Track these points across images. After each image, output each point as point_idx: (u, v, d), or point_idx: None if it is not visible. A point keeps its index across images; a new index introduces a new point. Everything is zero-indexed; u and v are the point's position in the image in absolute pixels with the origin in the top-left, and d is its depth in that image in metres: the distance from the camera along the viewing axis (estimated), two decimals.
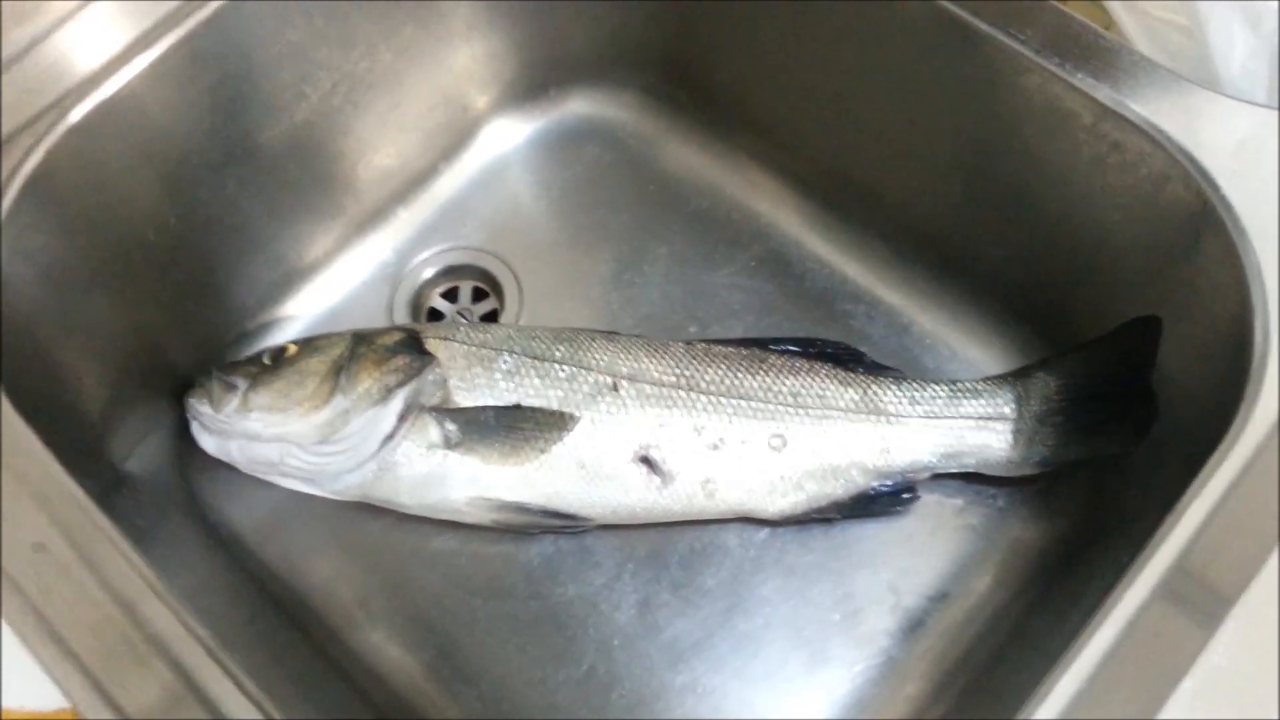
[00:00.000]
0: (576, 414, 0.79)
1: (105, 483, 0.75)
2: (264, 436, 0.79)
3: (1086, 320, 0.79)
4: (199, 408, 0.81)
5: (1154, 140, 0.67)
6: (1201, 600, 0.57)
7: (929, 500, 0.83)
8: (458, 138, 0.98)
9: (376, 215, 0.96)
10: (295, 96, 0.84)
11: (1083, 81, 0.69)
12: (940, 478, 0.83)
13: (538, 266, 0.95)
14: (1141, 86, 0.69)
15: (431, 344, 0.82)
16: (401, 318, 0.94)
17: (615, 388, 0.81)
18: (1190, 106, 0.70)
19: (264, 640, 0.77)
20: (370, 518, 0.84)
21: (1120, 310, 0.76)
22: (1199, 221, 0.68)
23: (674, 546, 0.83)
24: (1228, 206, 0.66)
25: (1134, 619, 0.56)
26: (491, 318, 0.94)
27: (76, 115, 0.72)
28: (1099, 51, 0.70)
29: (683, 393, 0.81)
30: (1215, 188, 0.67)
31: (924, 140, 0.84)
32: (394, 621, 0.81)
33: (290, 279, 0.93)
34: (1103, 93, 0.69)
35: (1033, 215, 0.80)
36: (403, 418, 0.79)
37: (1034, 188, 0.78)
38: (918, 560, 0.82)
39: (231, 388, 0.80)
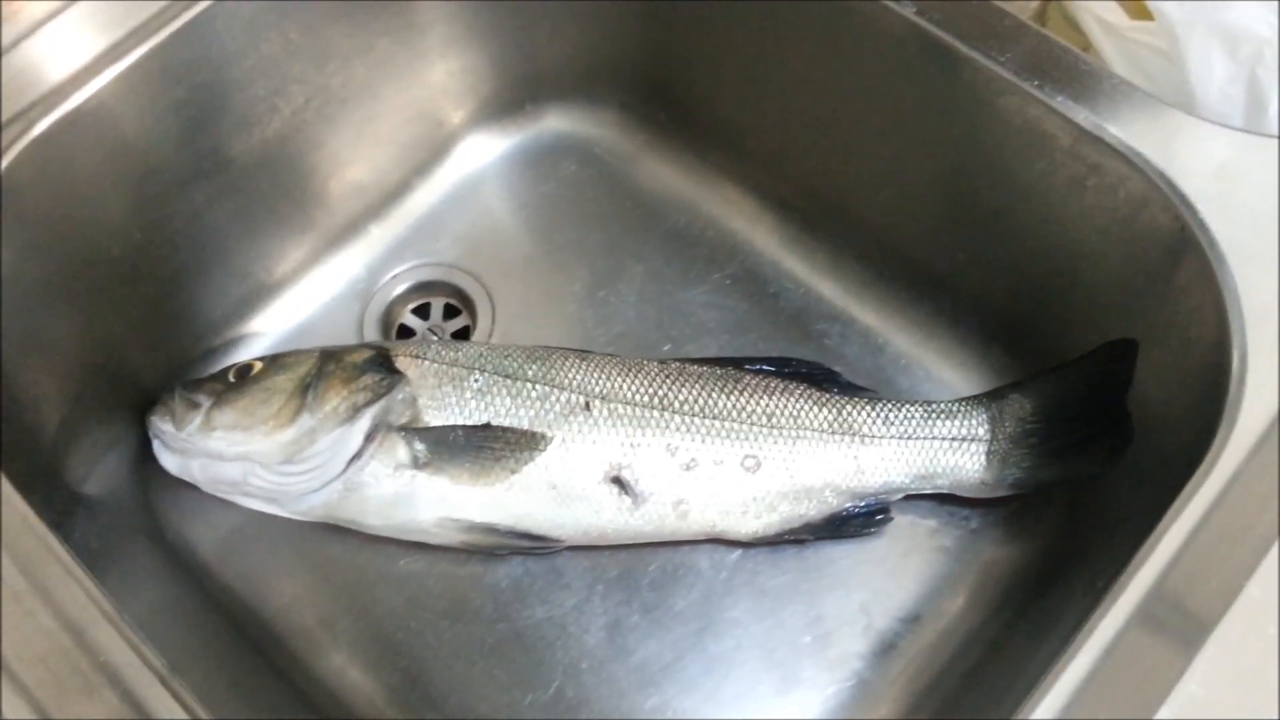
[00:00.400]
0: (548, 433, 0.78)
1: (61, 504, 0.74)
2: (227, 455, 0.78)
3: (1063, 343, 0.79)
4: (161, 425, 0.80)
5: (1132, 164, 0.67)
6: (1180, 626, 0.56)
7: (901, 521, 0.82)
8: (432, 153, 0.97)
9: (348, 230, 0.95)
10: (267, 110, 0.83)
11: (1062, 104, 0.69)
12: (913, 499, 0.82)
13: (511, 283, 0.94)
14: (1121, 110, 0.68)
15: (401, 362, 0.81)
16: (372, 334, 0.92)
17: (588, 407, 0.80)
18: (1169, 130, 0.69)
19: (222, 665, 0.75)
20: (335, 538, 0.82)
21: (1097, 333, 0.75)
22: (1177, 245, 0.67)
23: (645, 568, 0.82)
24: (1205, 230, 0.66)
25: (1111, 645, 0.55)
26: (463, 335, 0.93)
27: (42, 126, 0.71)
28: (1078, 74, 0.70)
29: (656, 412, 0.80)
30: (1193, 211, 0.67)
31: (902, 160, 0.83)
32: (358, 644, 0.79)
33: (258, 294, 0.91)
34: (1081, 115, 0.68)
35: (1010, 237, 0.79)
36: (370, 437, 0.77)
37: (1012, 209, 0.78)
38: (890, 582, 0.81)
39: (195, 405, 0.79)
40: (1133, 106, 0.68)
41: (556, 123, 1.00)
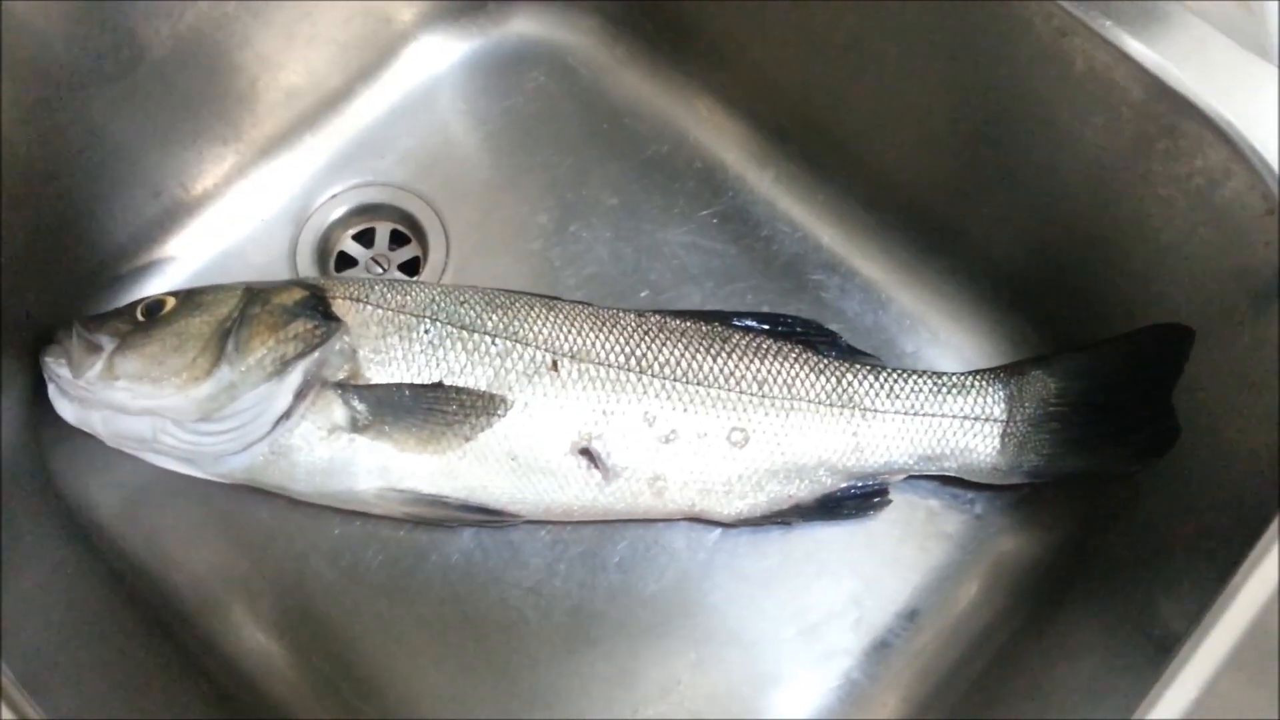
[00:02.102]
0: (509, 396, 0.69)
1: None
2: (132, 409, 0.67)
3: (1096, 321, 0.70)
4: (56, 369, 0.69)
5: (1218, 129, 0.57)
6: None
7: (898, 502, 0.74)
8: (378, 55, 0.85)
9: (279, 142, 0.83)
10: (177, 2, 0.70)
11: (1138, 51, 0.58)
12: (913, 478, 0.74)
13: (468, 211, 0.83)
14: (1210, 66, 0.58)
15: (340, 306, 0.70)
16: (307, 262, 0.81)
17: (554, 366, 0.70)
18: (1267, 94, 0.59)
19: (115, 648, 0.66)
20: (259, 501, 0.73)
21: (1140, 317, 0.67)
22: (1261, 233, 0.58)
23: (613, 545, 0.73)
24: None
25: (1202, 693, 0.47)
26: (412, 267, 0.82)
27: None
28: (1158, 17, 0.59)
29: (632, 375, 0.70)
30: None
31: (927, 98, 0.73)
32: (283, 625, 0.71)
33: (174, 214, 0.79)
34: (1161, 66, 0.58)
35: (1047, 194, 0.70)
36: (301, 395, 0.67)
37: (1055, 164, 0.68)
38: (884, 571, 0.73)
39: (95, 348, 0.68)
40: (1227, 64, 0.58)
41: (524, 25, 0.88)
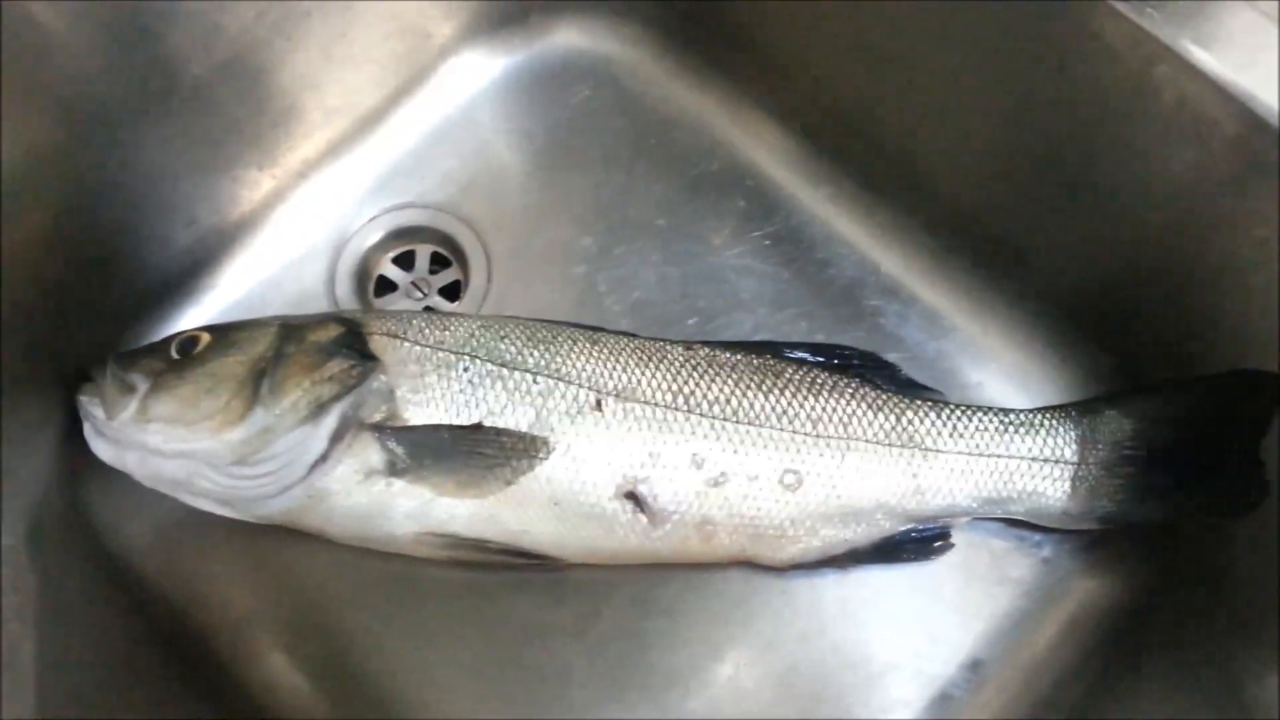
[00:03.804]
0: (551, 438, 0.66)
1: None
2: (166, 452, 0.65)
3: (1176, 359, 0.65)
4: (91, 409, 0.67)
5: None
6: None
7: (961, 544, 0.70)
8: (416, 73, 0.82)
9: (316, 165, 0.80)
10: (214, 24, 0.68)
11: (1230, 83, 0.53)
12: (977, 519, 0.70)
13: (510, 233, 0.80)
14: None
15: (377, 343, 0.67)
16: (345, 288, 0.79)
17: (598, 406, 0.67)
18: None
19: (139, 682, 0.65)
20: (299, 540, 0.70)
21: (1225, 362, 0.62)
22: None
23: (662, 589, 0.71)
24: None
25: None
26: (453, 291, 0.79)
27: None
28: (1250, 38, 0.53)
29: (680, 414, 0.67)
30: None
31: (997, 120, 0.68)
32: (322, 669, 0.69)
33: (209, 243, 0.77)
34: (1256, 100, 0.53)
35: (1128, 224, 0.65)
36: (338, 437, 0.65)
37: (1138, 197, 0.63)
38: (946, 618, 0.70)
39: (129, 389, 0.66)
40: None
41: (568, 36, 0.85)
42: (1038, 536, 0.71)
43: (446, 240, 0.80)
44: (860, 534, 0.68)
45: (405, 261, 0.81)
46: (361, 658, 0.69)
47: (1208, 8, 0.55)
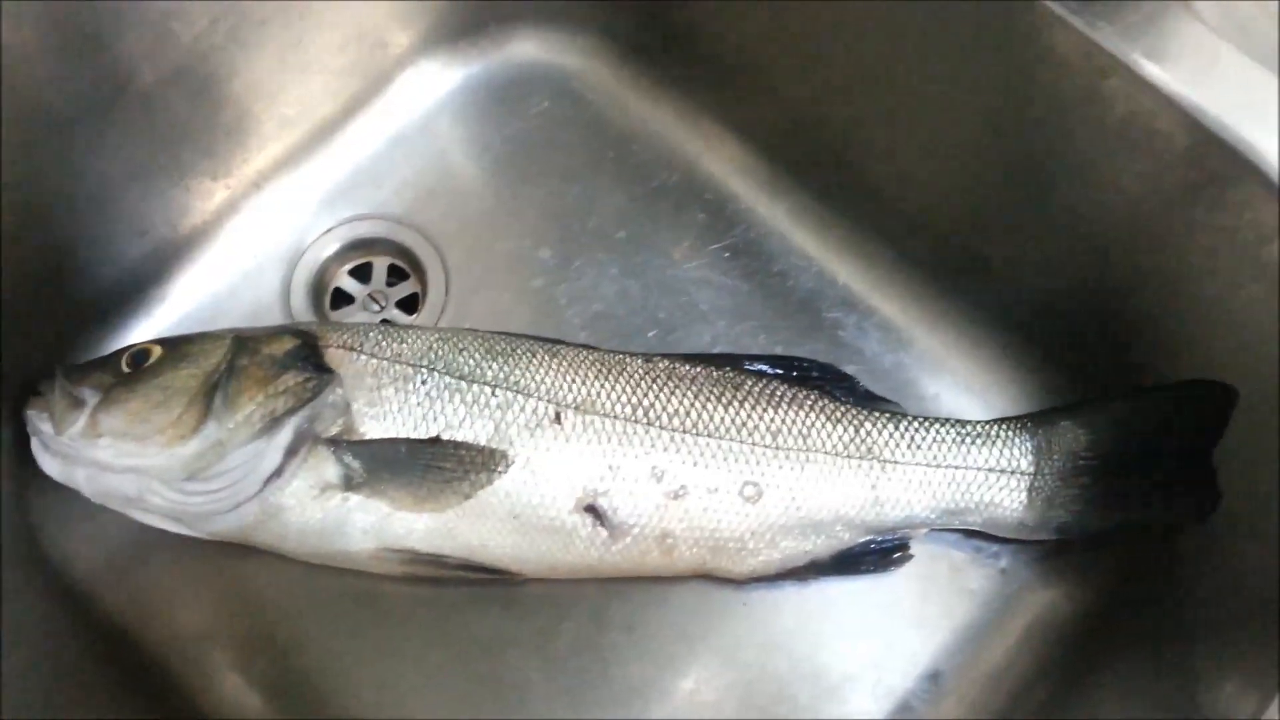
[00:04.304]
0: (509, 451, 0.65)
1: None
2: (116, 468, 0.64)
3: (1130, 369, 0.66)
4: (39, 424, 0.65)
5: (1270, 182, 0.53)
6: None
7: (920, 555, 0.70)
8: (373, 82, 0.81)
9: (271, 175, 0.79)
10: (165, 31, 0.67)
11: (1184, 98, 0.54)
12: (935, 530, 0.70)
13: (468, 245, 0.79)
14: (1259, 112, 0.53)
15: (332, 355, 0.67)
16: (301, 301, 0.78)
17: (558, 419, 0.66)
18: None
19: (90, 701, 0.63)
20: (251, 557, 0.69)
21: (1180, 372, 0.63)
22: None
23: (621, 603, 0.70)
24: None
25: None
26: (411, 303, 0.79)
27: None
28: (1206, 61, 0.54)
29: (640, 427, 0.67)
30: None
31: (954, 134, 0.69)
32: (276, 686, 0.68)
33: (161, 254, 0.76)
34: (1204, 112, 0.54)
35: (1082, 236, 0.66)
36: (293, 452, 0.64)
37: (1094, 209, 0.64)
38: (905, 630, 0.70)
39: (78, 403, 0.64)
40: (1266, 103, 0.53)
41: (527, 48, 0.84)
42: (995, 548, 0.71)
43: (404, 252, 0.80)
44: (820, 546, 0.68)
45: (362, 274, 0.80)
46: (317, 674, 0.68)
47: (1158, 23, 0.56)
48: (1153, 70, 0.55)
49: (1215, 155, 0.55)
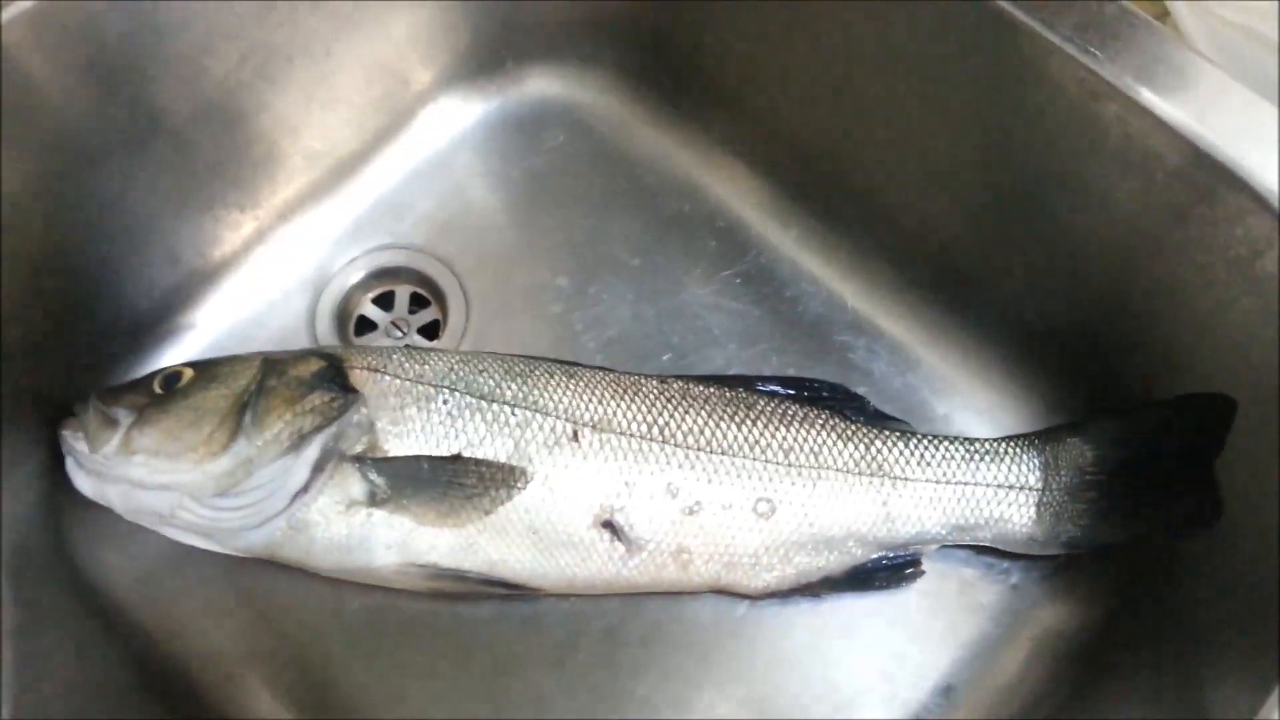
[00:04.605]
0: (529, 468, 0.67)
1: None
2: (149, 484, 0.66)
3: (1132, 386, 0.68)
4: (74, 443, 0.68)
5: (1259, 198, 0.55)
6: None
7: (931, 572, 0.72)
8: (396, 118, 0.84)
9: (297, 206, 0.82)
10: (197, 68, 0.70)
11: (1173, 117, 0.56)
12: (946, 547, 0.72)
13: (488, 274, 0.82)
14: (1249, 131, 0.56)
15: (357, 377, 0.69)
16: (326, 327, 0.80)
17: (575, 437, 0.68)
18: None
19: (123, 716, 0.64)
20: (279, 573, 0.71)
21: (1180, 386, 0.64)
22: None
23: (637, 619, 0.71)
24: None
25: None
26: (432, 330, 0.81)
27: None
28: (1194, 82, 0.57)
29: (655, 445, 0.69)
30: None
31: (955, 160, 0.71)
32: (302, 701, 0.69)
33: (192, 282, 0.78)
34: (1197, 132, 0.56)
35: (1080, 256, 0.68)
36: (319, 468, 0.66)
37: (1091, 229, 0.66)
38: (917, 645, 0.71)
39: (112, 423, 0.67)
40: (1268, 130, 0.56)
41: (542, 85, 0.87)
42: (1005, 564, 0.72)
43: (425, 281, 0.82)
44: (832, 562, 0.70)
45: (385, 302, 0.83)
46: (340, 688, 0.69)
47: (1149, 48, 0.58)
48: (1144, 93, 0.58)
49: (1206, 173, 0.57)
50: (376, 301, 0.83)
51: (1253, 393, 0.60)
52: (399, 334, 0.81)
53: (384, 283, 0.83)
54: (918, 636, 0.71)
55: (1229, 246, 0.58)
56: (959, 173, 0.73)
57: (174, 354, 0.78)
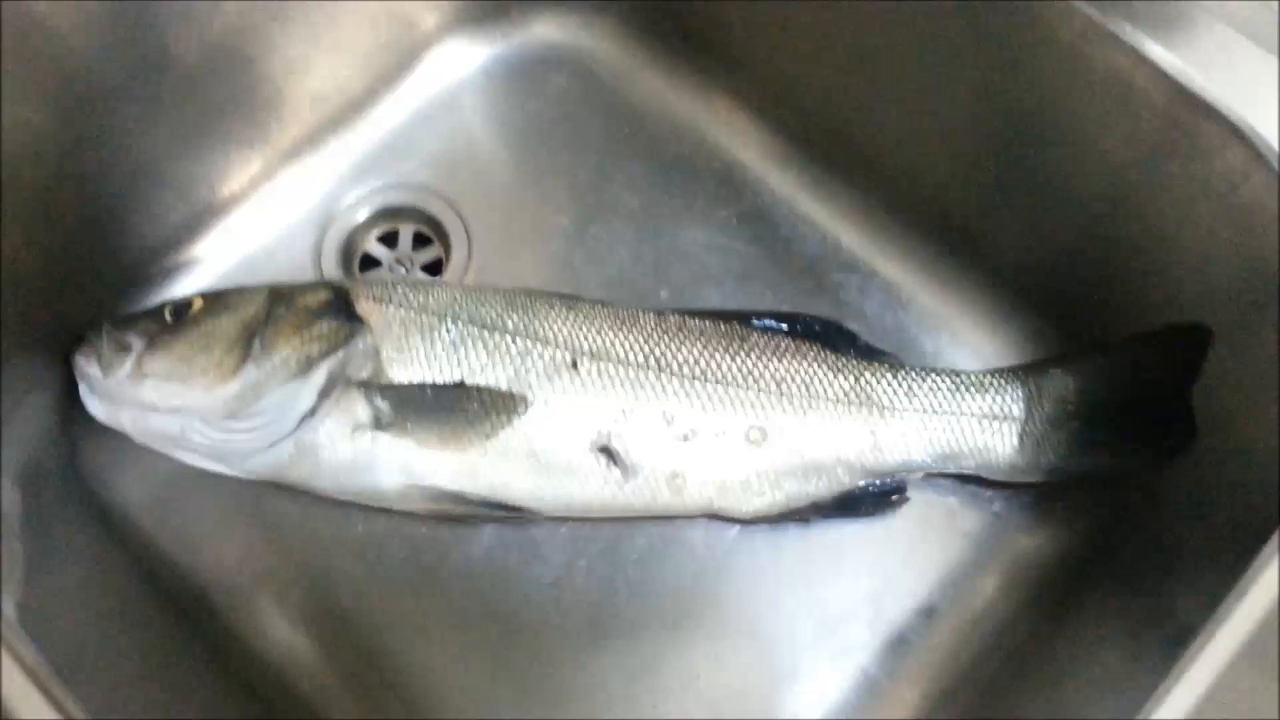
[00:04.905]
0: (529, 395, 0.69)
1: None
2: (161, 408, 0.68)
3: (1117, 321, 0.70)
4: (87, 368, 0.70)
5: (1238, 131, 0.57)
6: None
7: (917, 500, 0.74)
8: (401, 60, 0.86)
9: (305, 146, 0.83)
10: (209, 10, 0.71)
11: (1159, 55, 0.58)
12: (931, 476, 0.74)
13: (490, 213, 0.83)
14: (1229, 67, 0.57)
15: (363, 306, 0.71)
16: (332, 263, 0.82)
17: (574, 365, 0.71)
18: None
19: (145, 640, 0.67)
20: (286, 496, 0.73)
21: (1160, 318, 0.66)
22: None
23: (632, 542, 0.74)
24: None
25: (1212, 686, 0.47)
26: (435, 268, 0.83)
27: None
28: (1179, 21, 0.58)
29: (651, 374, 0.71)
30: None
31: (948, 105, 0.73)
32: (309, 619, 0.71)
33: (202, 217, 0.80)
34: (1180, 70, 0.58)
35: (1068, 198, 0.69)
36: (325, 393, 0.68)
37: (1078, 169, 0.68)
38: (902, 568, 0.73)
39: (125, 348, 0.69)
40: (1248, 66, 0.57)
41: (546, 30, 0.88)
42: (989, 493, 0.74)
43: (429, 220, 0.84)
44: (822, 488, 0.72)
45: (389, 240, 0.85)
46: (347, 608, 0.71)
47: None
48: (1128, 29, 0.59)
49: (1188, 109, 0.59)
50: (381, 240, 0.85)
51: (1230, 322, 0.62)
52: (403, 271, 0.83)
53: (389, 221, 0.84)
54: (903, 561, 0.73)
55: (1209, 180, 0.60)
56: (954, 119, 0.75)
57: (184, 286, 0.80)
